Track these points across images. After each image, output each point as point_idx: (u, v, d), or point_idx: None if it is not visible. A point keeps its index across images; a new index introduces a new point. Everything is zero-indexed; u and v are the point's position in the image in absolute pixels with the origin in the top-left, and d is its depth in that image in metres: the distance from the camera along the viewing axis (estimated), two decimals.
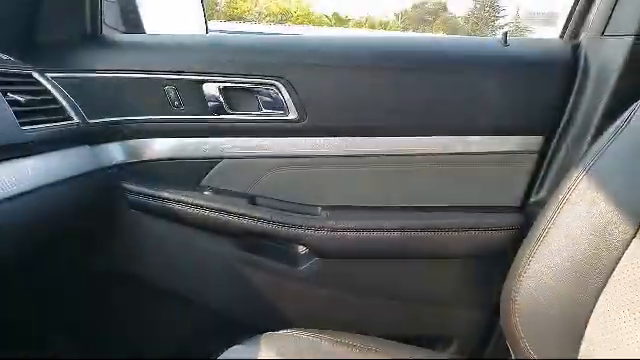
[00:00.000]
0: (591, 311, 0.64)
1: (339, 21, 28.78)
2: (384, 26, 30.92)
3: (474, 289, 0.86)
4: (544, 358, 0.68)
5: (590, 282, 0.64)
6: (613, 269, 0.63)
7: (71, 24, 0.86)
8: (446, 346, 0.89)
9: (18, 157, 0.66)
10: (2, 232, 0.64)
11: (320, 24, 26.85)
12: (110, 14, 0.95)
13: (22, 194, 0.65)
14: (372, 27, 29.27)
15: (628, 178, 0.64)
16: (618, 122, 0.68)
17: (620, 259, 0.63)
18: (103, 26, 0.91)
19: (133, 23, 1.03)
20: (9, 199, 0.63)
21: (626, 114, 0.68)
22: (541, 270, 0.69)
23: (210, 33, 1.24)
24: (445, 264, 0.88)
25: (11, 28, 0.80)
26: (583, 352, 0.64)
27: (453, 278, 0.88)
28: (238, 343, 0.71)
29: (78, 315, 0.91)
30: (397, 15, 33.47)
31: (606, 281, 0.63)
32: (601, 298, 0.64)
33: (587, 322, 0.64)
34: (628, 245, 0.62)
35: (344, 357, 0.71)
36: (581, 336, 0.65)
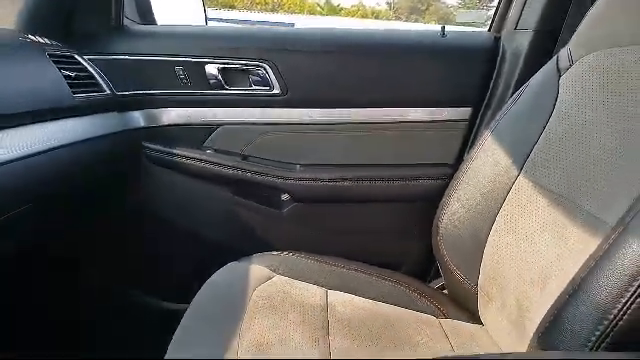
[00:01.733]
0: (489, 231, 0.88)
1: (331, 10, 28.75)
2: (376, 15, 30.96)
3: (418, 226, 1.10)
4: (462, 271, 0.92)
5: (490, 210, 0.88)
6: (504, 199, 0.87)
7: (100, 17, 1.08)
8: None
9: (69, 117, 0.89)
10: (56, 173, 0.87)
11: (312, 13, 26.83)
12: (129, 9, 1.17)
13: (71, 144, 0.88)
14: (364, 16, 29.29)
15: (515, 134, 0.88)
16: (515, 94, 0.93)
17: (509, 192, 0.87)
18: (124, 19, 1.14)
19: (146, 15, 1.26)
20: (63, 146, 0.86)
21: (522, 88, 0.93)
22: (457, 207, 0.93)
23: (210, 23, 1.46)
24: (395, 207, 1.12)
25: (55, 21, 1.01)
26: (482, 265, 0.88)
27: (401, 218, 1.12)
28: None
29: (107, 246, 1.14)
30: (389, 4, 33.49)
31: (499, 208, 0.88)
32: (495, 221, 0.88)
33: (486, 240, 0.88)
34: (514, 182, 0.86)
35: (331, 270, 0.94)
36: (482, 251, 0.89)
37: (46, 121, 0.82)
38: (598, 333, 0.48)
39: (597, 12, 0.86)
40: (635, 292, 0.48)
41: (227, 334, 0.73)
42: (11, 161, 0.72)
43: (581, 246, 0.63)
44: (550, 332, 0.55)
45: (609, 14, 0.83)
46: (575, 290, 0.54)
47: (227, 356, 0.69)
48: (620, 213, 0.57)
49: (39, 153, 0.78)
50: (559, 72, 0.87)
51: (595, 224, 0.63)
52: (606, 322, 0.48)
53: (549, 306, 0.62)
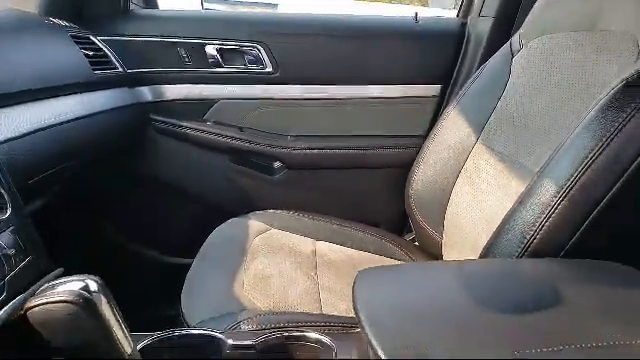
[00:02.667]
0: (451, 190, 1.04)
1: None
2: None
3: (394, 188, 1.25)
4: (429, 225, 1.08)
5: (452, 172, 1.04)
6: (465, 161, 1.03)
7: (109, 2, 1.20)
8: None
9: (90, 91, 1.02)
10: (80, 140, 1.00)
11: None
12: None
13: (92, 114, 1.01)
14: None
15: (475, 107, 1.04)
16: (476, 73, 1.09)
17: (469, 156, 1.03)
18: (130, 3, 1.25)
19: (150, 0, 1.38)
20: (86, 116, 0.99)
21: (482, 68, 1.08)
22: (425, 171, 1.09)
23: (205, 8, 1.58)
24: (374, 172, 1.28)
25: (71, 5, 1.13)
26: (446, 218, 1.04)
27: (379, 182, 1.28)
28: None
29: (120, 205, 1.28)
30: None
31: (460, 170, 1.04)
32: (456, 181, 1.04)
33: (449, 198, 1.04)
34: (473, 147, 1.02)
35: (319, 225, 1.09)
36: (446, 207, 1.05)
37: (73, 94, 0.95)
38: (523, 245, 0.65)
39: (542, 3, 1.02)
40: (547, 216, 0.64)
41: (233, 269, 0.88)
42: (47, 127, 0.85)
43: (518, 191, 0.79)
44: (488, 253, 0.71)
45: (552, 4, 0.99)
46: (507, 219, 0.70)
47: (235, 287, 0.84)
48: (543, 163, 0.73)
49: (68, 121, 0.92)
50: (512, 54, 1.03)
51: (529, 175, 0.79)
52: (527, 237, 0.65)
53: None
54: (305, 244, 1.03)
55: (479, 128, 1.02)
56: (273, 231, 1.06)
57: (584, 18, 0.86)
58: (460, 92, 1.10)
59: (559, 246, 0.64)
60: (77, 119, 0.95)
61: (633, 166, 0.62)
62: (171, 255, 1.28)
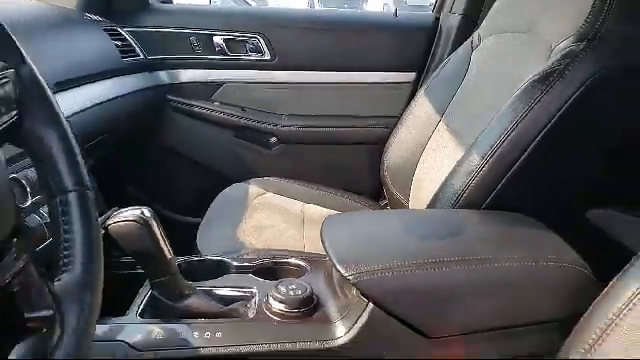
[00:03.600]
0: (417, 161, 1.25)
1: None
2: None
3: (372, 161, 1.46)
4: (399, 191, 1.29)
5: (420, 146, 1.24)
6: (430, 137, 1.24)
7: None
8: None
9: (120, 75, 1.24)
10: (115, 116, 1.21)
11: None
12: None
13: (123, 95, 1.23)
14: None
15: (441, 92, 1.24)
16: (443, 63, 1.29)
17: (433, 133, 1.24)
18: None
19: None
20: (115, 98, 1.20)
21: (448, 58, 1.29)
22: (398, 146, 1.29)
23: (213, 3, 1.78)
24: (355, 148, 1.49)
25: (103, 2, 1.33)
26: (412, 185, 1.25)
27: (359, 156, 1.49)
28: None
29: (141, 171, 1.50)
30: None
31: (426, 144, 1.24)
32: (422, 154, 1.25)
33: (416, 168, 1.25)
34: (436, 126, 1.23)
35: (307, 191, 1.30)
36: (413, 176, 1.26)
37: (107, 79, 1.16)
38: (455, 199, 0.87)
39: (498, 5, 1.22)
40: (473, 177, 0.85)
41: (236, 222, 1.11)
42: (89, 107, 1.07)
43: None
44: (431, 205, 0.94)
45: (503, 9, 1.18)
46: (447, 180, 0.92)
47: (238, 233, 1.07)
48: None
49: (103, 102, 1.13)
50: (472, 48, 1.23)
51: None
52: (458, 193, 0.86)
53: None
54: (295, 205, 1.25)
55: (441, 111, 1.23)
56: (268, 194, 1.28)
57: (523, 23, 1.06)
58: (429, 79, 1.31)
59: (480, 200, 0.86)
60: (110, 100, 1.17)
61: (534, 142, 0.83)
62: (183, 214, 1.51)
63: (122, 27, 1.34)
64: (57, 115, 0.44)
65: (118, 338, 0.63)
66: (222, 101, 1.48)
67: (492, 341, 0.65)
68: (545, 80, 0.82)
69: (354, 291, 0.65)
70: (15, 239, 0.32)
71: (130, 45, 1.33)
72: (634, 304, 0.52)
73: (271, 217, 1.16)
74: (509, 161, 0.85)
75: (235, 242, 1.01)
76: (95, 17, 1.26)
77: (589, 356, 0.53)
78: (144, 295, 0.71)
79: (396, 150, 1.30)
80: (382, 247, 0.70)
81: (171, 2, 1.56)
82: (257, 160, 1.49)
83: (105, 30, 1.24)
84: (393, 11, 1.47)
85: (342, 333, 0.64)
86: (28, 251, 0.33)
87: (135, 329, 0.65)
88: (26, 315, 0.31)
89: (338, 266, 0.65)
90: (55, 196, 0.41)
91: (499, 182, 0.85)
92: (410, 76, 1.48)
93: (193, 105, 1.44)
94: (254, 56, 1.45)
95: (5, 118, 0.38)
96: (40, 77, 0.44)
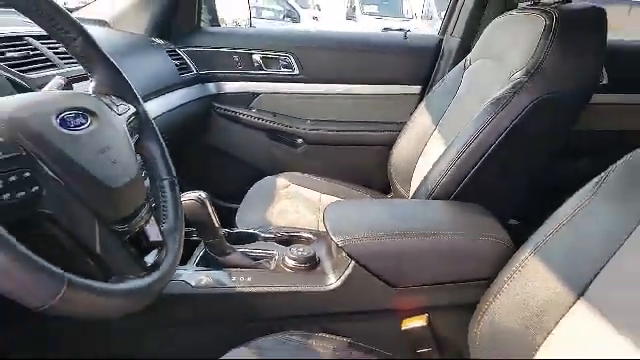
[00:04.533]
0: (417, 160, 1.52)
1: None
2: None
3: (382, 160, 1.72)
4: (402, 186, 1.56)
5: (420, 147, 1.52)
6: (427, 141, 1.50)
7: (187, 24, 1.72)
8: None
9: (178, 89, 1.56)
10: (175, 121, 1.52)
11: None
12: (203, 16, 1.81)
13: (178, 106, 1.55)
14: None
15: (437, 104, 1.50)
16: (440, 81, 1.55)
17: (430, 137, 1.50)
18: (201, 23, 1.77)
19: (213, 20, 1.89)
20: (174, 108, 1.52)
21: (445, 77, 1.54)
22: (402, 146, 1.56)
23: (254, 25, 2.09)
24: (367, 149, 1.75)
25: (163, 27, 1.66)
26: (412, 179, 1.53)
27: (371, 156, 1.76)
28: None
29: (191, 166, 1.82)
30: None
31: (424, 147, 1.51)
32: (421, 154, 1.52)
33: (416, 165, 1.53)
34: (433, 131, 1.49)
35: (326, 184, 1.59)
36: (413, 172, 1.53)
37: (169, 92, 1.48)
38: (429, 192, 1.13)
39: (485, 34, 1.46)
40: (446, 172, 1.11)
41: (266, 208, 1.40)
42: (159, 116, 1.38)
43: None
44: (414, 196, 1.20)
45: (488, 36, 1.43)
46: (427, 176, 1.18)
47: (267, 216, 1.36)
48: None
49: (168, 111, 1.45)
50: (465, 68, 1.48)
51: None
52: (432, 187, 1.12)
53: None
54: (314, 195, 1.54)
55: (437, 120, 1.48)
56: (293, 186, 1.57)
57: (497, 52, 1.31)
58: (429, 92, 1.57)
59: (449, 192, 1.12)
60: (171, 110, 1.49)
61: (491, 148, 1.08)
62: (224, 200, 1.83)
63: (179, 48, 1.67)
64: (158, 135, 0.75)
65: (181, 279, 0.94)
66: (258, 108, 1.79)
67: (438, 292, 0.92)
68: (500, 102, 1.07)
69: (343, 254, 0.94)
70: (145, 201, 0.62)
71: (185, 63, 1.66)
72: (519, 271, 0.78)
73: (294, 204, 1.45)
74: (471, 162, 1.10)
75: (264, 222, 1.31)
76: (159, 41, 1.59)
77: (491, 309, 0.80)
78: (199, 252, 1.02)
79: (400, 151, 1.57)
80: (364, 223, 0.98)
81: (219, 26, 1.88)
82: (285, 158, 1.79)
83: (167, 51, 1.57)
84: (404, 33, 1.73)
85: (333, 281, 0.93)
86: (151, 209, 0.63)
87: (192, 274, 0.96)
88: (151, 239, 0.61)
89: (331, 235, 0.93)
90: (156, 180, 0.72)
91: (464, 178, 1.11)
92: (416, 89, 1.74)
93: (234, 112, 1.76)
94: (285, 71, 1.75)
95: (134, 139, 0.68)
96: (147, 110, 0.74)
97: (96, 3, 1.63)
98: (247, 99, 1.78)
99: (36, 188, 0.46)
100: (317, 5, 12.04)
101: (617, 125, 1.53)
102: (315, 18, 9.66)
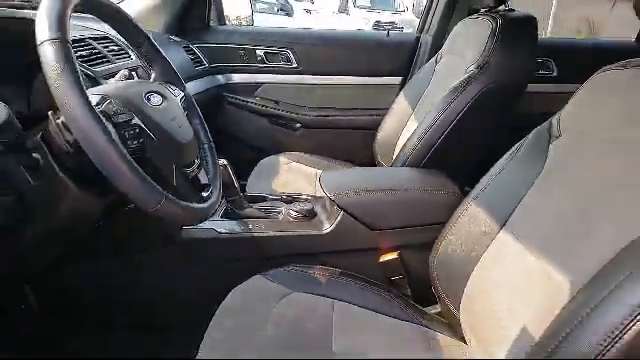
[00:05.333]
0: (401, 131, 1.81)
1: None
2: None
3: (368, 141, 2.01)
4: (384, 162, 1.85)
5: (400, 126, 1.81)
6: (406, 123, 1.79)
7: (198, 22, 1.99)
8: None
9: (193, 79, 1.83)
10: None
11: None
12: (212, 15, 2.07)
13: (196, 94, 1.82)
14: None
15: (412, 94, 1.78)
16: (417, 72, 1.83)
17: (407, 123, 1.79)
18: (210, 22, 2.04)
19: (220, 19, 2.16)
20: (192, 96, 1.79)
21: (421, 68, 1.82)
22: (385, 128, 1.85)
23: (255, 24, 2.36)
24: (353, 132, 2.04)
25: (177, 25, 1.92)
26: (397, 152, 1.82)
27: (358, 138, 2.03)
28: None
29: None
30: None
31: (405, 125, 1.80)
32: (405, 127, 1.81)
33: (400, 135, 1.81)
34: (409, 118, 1.78)
35: (322, 162, 1.87)
36: (394, 147, 1.82)
37: (186, 82, 1.75)
38: (406, 159, 1.42)
39: (452, 32, 1.74)
40: (417, 144, 1.41)
41: (270, 182, 1.68)
42: None
43: None
44: (393, 164, 1.49)
45: (454, 35, 1.70)
46: (402, 149, 1.47)
47: (272, 187, 1.64)
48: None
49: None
50: (436, 62, 1.76)
51: None
52: (408, 154, 1.42)
53: None
54: (311, 171, 1.82)
55: (414, 105, 1.76)
56: (293, 164, 1.85)
57: (459, 48, 1.59)
58: (408, 82, 1.85)
59: (419, 161, 1.40)
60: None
61: (451, 125, 1.36)
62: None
63: (192, 44, 1.94)
64: (199, 112, 1.02)
65: (210, 227, 1.22)
66: (262, 97, 2.06)
67: (406, 234, 1.21)
68: (457, 90, 1.36)
69: (335, 206, 1.22)
70: (197, 157, 0.90)
71: (198, 57, 1.92)
72: (463, 214, 1.06)
73: (294, 177, 1.73)
74: (435, 138, 1.39)
75: (270, 191, 1.60)
76: (175, 38, 1.86)
77: (444, 244, 1.08)
78: (223, 208, 1.30)
79: (383, 133, 1.85)
80: (351, 183, 1.26)
81: (225, 24, 2.14)
82: (286, 139, 2.07)
83: (183, 47, 1.83)
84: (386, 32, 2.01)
85: (327, 227, 1.21)
86: (200, 163, 0.92)
87: (219, 223, 1.24)
88: (202, 182, 0.89)
89: (326, 192, 1.22)
90: (200, 144, 1.00)
91: (430, 150, 1.40)
92: (397, 79, 2.02)
93: (241, 99, 2.03)
94: (285, 64, 2.03)
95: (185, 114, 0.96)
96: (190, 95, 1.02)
97: (121, 5, 1.89)
98: (252, 88, 2.05)
99: (141, 140, 0.74)
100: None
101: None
102: (308, 11, 9.88)
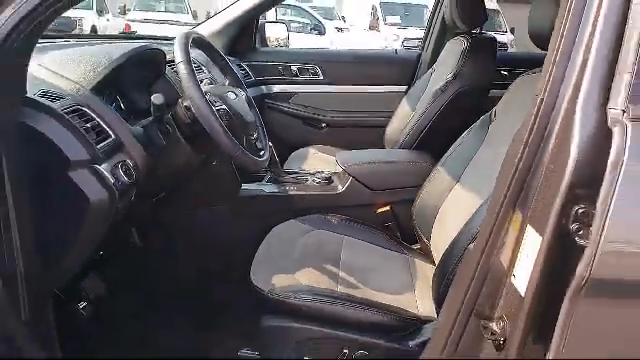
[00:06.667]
0: (402, 129, 2.32)
1: None
2: None
3: (375, 137, 2.51)
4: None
5: (403, 123, 2.32)
6: (410, 118, 2.30)
7: (246, 44, 2.56)
8: None
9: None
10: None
11: None
12: (257, 39, 2.64)
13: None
14: None
15: (412, 97, 2.29)
16: (419, 81, 2.34)
17: (410, 117, 2.29)
18: (255, 44, 2.61)
19: (263, 42, 2.73)
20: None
21: (422, 77, 2.34)
22: (391, 126, 2.36)
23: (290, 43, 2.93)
24: (364, 129, 2.55)
25: (231, 48, 2.50)
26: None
27: (370, 134, 2.54)
28: None
29: None
30: None
31: (407, 123, 2.31)
32: (405, 126, 2.32)
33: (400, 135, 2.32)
34: (411, 116, 2.29)
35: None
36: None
37: None
38: (401, 142, 1.93)
39: (442, 51, 2.24)
40: (409, 132, 1.91)
41: (302, 165, 2.21)
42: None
43: None
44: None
45: (441, 53, 2.21)
46: (398, 136, 1.98)
47: (303, 167, 2.17)
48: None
49: None
50: (430, 74, 2.26)
51: None
52: (403, 138, 1.92)
53: None
54: (332, 159, 2.32)
55: (414, 106, 2.27)
56: (319, 154, 2.37)
57: (444, 62, 2.09)
58: (410, 89, 2.36)
59: (410, 145, 1.91)
60: None
61: (434, 117, 1.87)
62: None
63: (243, 61, 2.50)
64: (254, 105, 1.57)
65: (258, 187, 1.76)
66: (294, 102, 2.61)
67: (396, 193, 1.71)
68: (438, 92, 1.87)
69: (346, 174, 1.74)
70: (255, 131, 1.43)
71: (247, 72, 2.49)
72: (432, 179, 1.56)
73: (319, 163, 2.25)
74: (423, 125, 1.90)
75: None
76: (230, 57, 2.43)
77: (420, 199, 1.57)
78: (267, 176, 1.83)
79: (390, 129, 2.36)
80: (357, 158, 1.78)
81: (267, 46, 2.72)
82: (313, 136, 2.60)
83: (236, 64, 2.40)
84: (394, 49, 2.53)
85: (340, 189, 1.73)
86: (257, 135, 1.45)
87: (264, 186, 1.77)
88: (259, 147, 1.42)
89: (340, 164, 1.74)
90: (257, 124, 1.55)
91: (420, 134, 1.90)
92: (403, 88, 2.53)
93: (279, 105, 2.58)
94: (313, 77, 2.57)
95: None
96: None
97: None
98: (287, 96, 2.60)
99: (227, 117, 1.27)
100: (342, 17, 12.88)
101: None
102: (339, 29, 10.50)
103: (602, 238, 0.67)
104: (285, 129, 2.60)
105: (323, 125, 2.60)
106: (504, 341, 0.84)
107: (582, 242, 0.69)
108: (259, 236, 1.53)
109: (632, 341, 0.74)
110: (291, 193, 1.74)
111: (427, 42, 2.50)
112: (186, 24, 8.48)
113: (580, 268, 0.68)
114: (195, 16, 11.13)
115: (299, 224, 1.60)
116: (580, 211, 0.70)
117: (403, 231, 1.71)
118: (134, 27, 9.26)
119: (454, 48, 2.00)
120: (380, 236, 1.61)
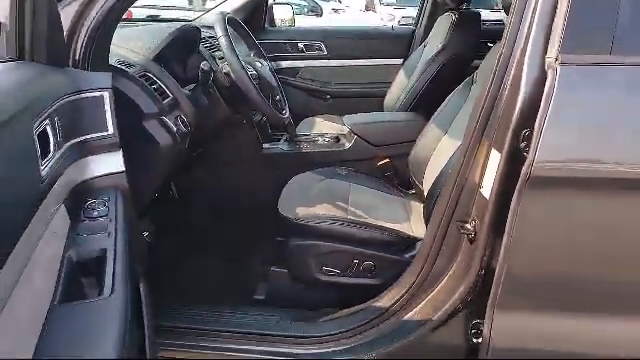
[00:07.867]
0: (399, 96, 2.61)
1: None
2: None
3: (376, 105, 2.81)
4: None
5: (400, 89, 2.61)
6: (406, 84, 2.59)
7: (257, 24, 2.83)
8: None
9: None
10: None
11: None
12: (266, 19, 2.91)
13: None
14: None
15: (407, 70, 2.58)
16: (413, 54, 2.63)
17: (408, 83, 2.59)
18: (265, 25, 2.88)
19: (272, 22, 3.00)
20: None
21: (415, 52, 2.62)
22: (390, 94, 2.66)
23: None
24: (369, 99, 2.85)
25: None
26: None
27: (371, 102, 2.84)
28: None
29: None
30: None
31: (403, 89, 2.60)
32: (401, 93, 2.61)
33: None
34: (408, 82, 2.59)
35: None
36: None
37: None
38: (399, 105, 2.23)
39: (434, 26, 2.52)
40: (406, 95, 2.21)
41: (310, 130, 2.51)
42: None
43: None
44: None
45: (433, 28, 2.49)
46: (396, 100, 2.27)
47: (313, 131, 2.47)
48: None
49: None
50: (423, 47, 2.55)
51: None
52: (401, 101, 2.22)
53: None
54: (337, 126, 2.63)
55: (409, 75, 2.55)
56: (326, 122, 2.66)
57: (435, 35, 2.37)
58: (406, 61, 2.65)
59: (407, 107, 2.21)
60: None
61: (427, 83, 2.16)
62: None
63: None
64: (274, 73, 1.86)
65: (278, 146, 2.06)
66: (301, 77, 2.89)
67: (395, 148, 2.01)
68: (430, 61, 2.16)
69: (351, 133, 2.04)
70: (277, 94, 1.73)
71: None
72: (425, 134, 1.86)
73: (326, 129, 2.54)
74: (418, 89, 2.19)
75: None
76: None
77: (415, 150, 1.88)
78: (285, 137, 2.13)
79: (388, 97, 2.64)
80: (362, 119, 2.08)
81: (275, 26, 2.99)
82: (319, 106, 2.88)
83: None
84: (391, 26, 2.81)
85: (347, 146, 2.04)
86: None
87: (283, 144, 2.07)
88: (280, 106, 1.72)
89: (346, 123, 2.05)
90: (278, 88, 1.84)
91: (414, 99, 2.20)
92: (399, 60, 2.81)
93: (287, 79, 2.87)
94: (318, 53, 2.85)
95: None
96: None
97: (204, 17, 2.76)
98: (295, 71, 2.88)
99: (256, 80, 1.57)
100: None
101: None
102: (336, 10, 10.66)
103: (538, 147, 0.97)
104: (293, 101, 2.87)
105: (328, 97, 2.89)
106: (475, 234, 1.15)
107: (526, 154, 0.99)
108: (281, 184, 1.83)
109: (560, 220, 1.04)
110: (305, 151, 2.05)
111: (420, 19, 2.78)
112: (183, 9, 8.65)
113: (524, 170, 0.99)
114: (190, 1, 11.22)
115: (313, 175, 1.90)
116: (526, 133, 0.99)
117: (400, 179, 2.02)
118: (135, 13, 9.39)
119: (444, 22, 2.28)
120: (381, 183, 1.92)
